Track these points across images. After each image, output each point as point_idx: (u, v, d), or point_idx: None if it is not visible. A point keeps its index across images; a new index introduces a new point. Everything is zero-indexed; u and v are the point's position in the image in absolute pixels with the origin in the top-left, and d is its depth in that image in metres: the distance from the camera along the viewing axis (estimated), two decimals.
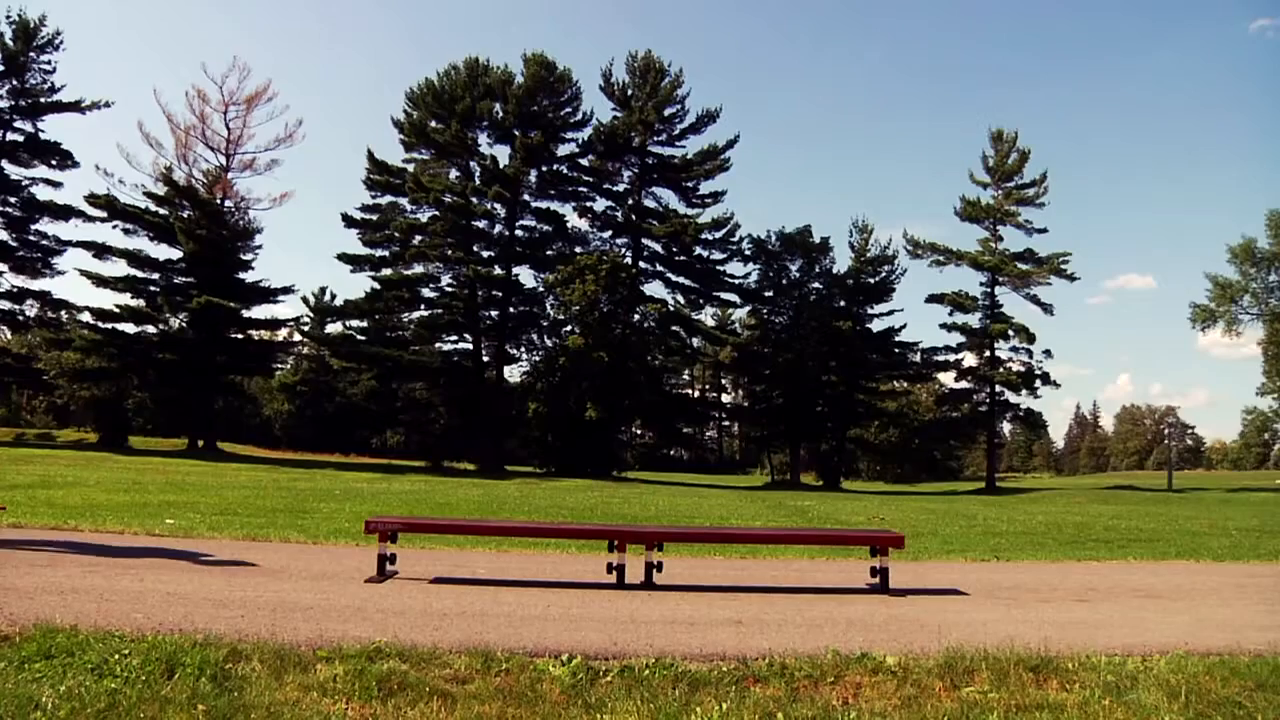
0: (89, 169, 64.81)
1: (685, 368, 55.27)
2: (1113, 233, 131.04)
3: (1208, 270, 40.48)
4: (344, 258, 35.61)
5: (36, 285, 33.53)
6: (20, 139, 32.44)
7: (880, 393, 41.23)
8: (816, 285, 39.79)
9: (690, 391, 60.98)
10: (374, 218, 35.86)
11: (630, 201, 36.64)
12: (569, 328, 35.11)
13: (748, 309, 41.07)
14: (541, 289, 36.12)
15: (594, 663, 2.48)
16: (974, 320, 37.47)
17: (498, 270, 34.54)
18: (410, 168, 35.39)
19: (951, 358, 38.55)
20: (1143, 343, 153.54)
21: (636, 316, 35.79)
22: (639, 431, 48.79)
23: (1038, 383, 36.51)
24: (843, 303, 38.92)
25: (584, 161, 36.27)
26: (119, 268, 33.27)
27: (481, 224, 35.51)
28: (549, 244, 36.87)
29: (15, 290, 33.08)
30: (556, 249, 36.62)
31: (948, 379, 40.91)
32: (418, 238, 34.66)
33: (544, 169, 35.78)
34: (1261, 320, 36.47)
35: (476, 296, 34.61)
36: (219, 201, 34.10)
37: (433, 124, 34.95)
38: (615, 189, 37.24)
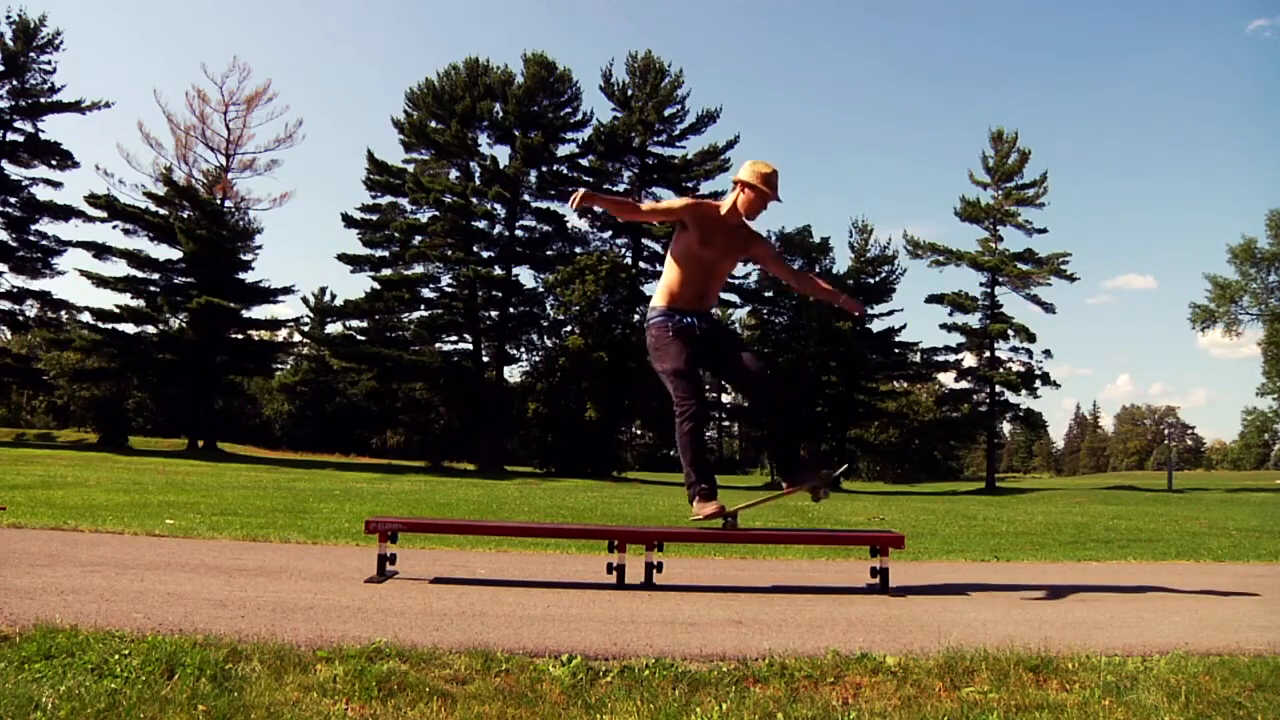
0: (89, 169, 64.95)
1: None
2: (1113, 233, 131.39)
3: (1207, 270, 40.49)
4: (344, 258, 35.64)
5: (36, 285, 33.60)
6: (20, 139, 32.48)
7: (880, 393, 41.26)
8: None
9: None
10: (374, 218, 35.88)
11: None
12: (569, 328, 35.14)
13: (747, 309, 41.11)
14: (541, 289, 36.14)
15: (594, 663, 2.48)
16: (974, 320, 37.50)
17: (498, 270, 34.56)
18: (410, 168, 35.41)
19: (951, 358, 38.60)
20: (1143, 343, 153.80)
21: (636, 316, 35.81)
22: (639, 431, 48.83)
23: (1038, 383, 36.53)
24: None
25: (584, 161, 36.30)
26: (119, 268, 33.33)
27: (481, 224, 35.53)
28: (549, 244, 36.89)
29: (15, 290, 33.12)
30: (556, 249, 36.65)
31: (948, 379, 40.97)
32: (418, 238, 34.68)
33: (544, 169, 35.80)
34: (1261, 320, 36.50)
35: (476, 297, 34.63)
36: (219, 202, 34.13)
37: (433, 124, 34.98)
38: (615, 189, 37.26)
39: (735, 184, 3.84)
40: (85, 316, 33.67)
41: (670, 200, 3.88)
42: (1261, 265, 36.12)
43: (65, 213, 32.49)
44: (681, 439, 3.83)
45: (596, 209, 3.84)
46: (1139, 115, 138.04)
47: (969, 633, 2.97)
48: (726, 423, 63.96)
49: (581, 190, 3.62)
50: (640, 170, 36.58)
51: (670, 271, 3.87)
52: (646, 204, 3.93)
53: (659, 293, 3.89)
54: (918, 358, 39.45)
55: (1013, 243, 37.69)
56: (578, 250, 35.82)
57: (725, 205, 3.84)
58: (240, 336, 35.77)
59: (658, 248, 36.70)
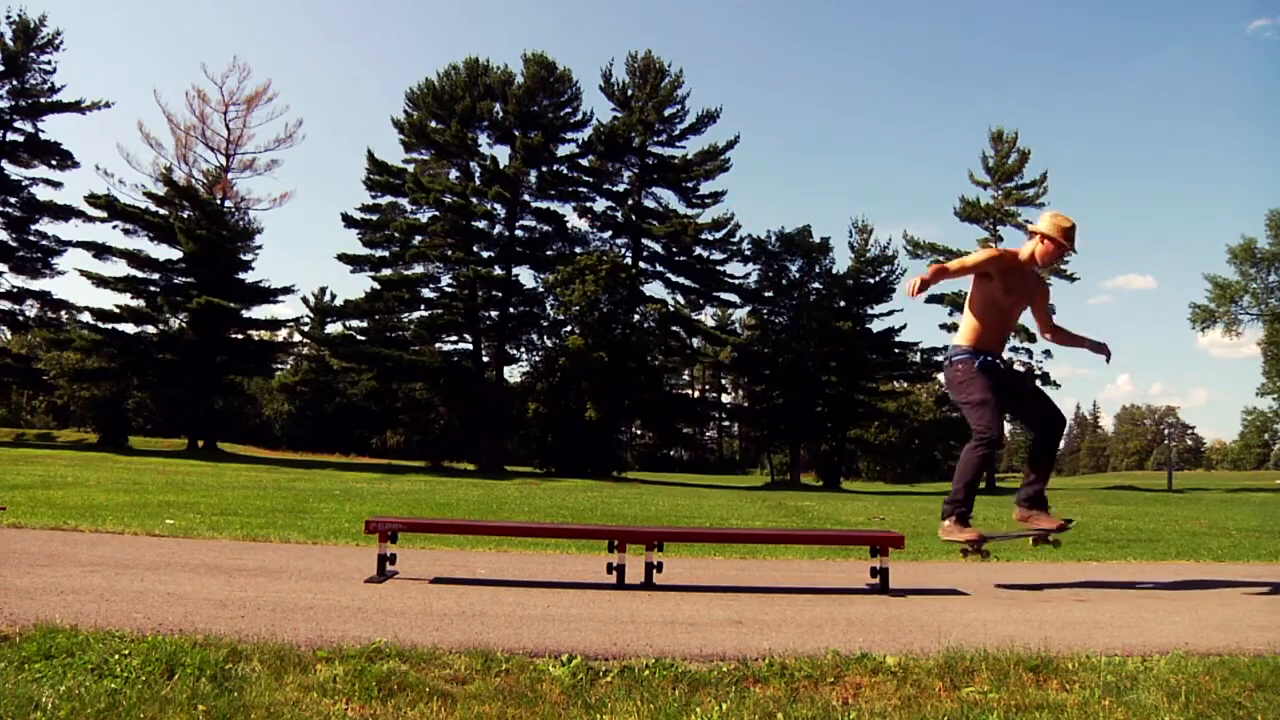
0: (89, 169, 64.97)
1: (685, 368, 55.34)
2: (1113, 233, 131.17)
3: (1207, 270, 40.46)
4: (344, 258, 35.64)
5: (36, 285, 33.61)
6: (20, 139, 32.48)
7: (880, 393, 41.26)
8: (816, 285, 39.83)
9: (690, 391, 61.07)
10: (374, 218, 35.88)
11: (630, 201, 36.66)
12: (569, 328, 35.14)
13: (748, 309, 41.14)
14: (541, 289, 36.15)
15: (594, 663, 2.48)
16: None
17: (498, 270, 34.57)
18: (410, 168, 35.41)
19: None
20: (1143, 343, 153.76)
21: (636, 316, 35.80)
22: (639, 431, 48.82)
23: (1038, 383, 36.55)
24: (842, 303, 38.94)
25: (584, 161, 36.30)
26: (119, 268, 33.34)
27: (481, 224, 35.54)
28: (549, 244, 36.89)
29: (15, 290, 33.13)
30: (556, 249, 36.65)
31: None
32: (418, 238, 34.69)
33: (544, 169, 35.80)
34: (1261, 320, 36.49)
35: (476, 296, 34.64)
36: (219, 202, 34.12)
37: (433, 124, 34.98)
38: (615, 189, 37.29)
39: (1034, 234, 4.18)
40: (85, 316, 33.72)
41: (976, 255, 4.18)
42: (1261, 265, 36.11)
43: (65, 213, 32.49)
44: (972, 461, 4.13)
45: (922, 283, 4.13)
46: (1139, 115, 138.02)
47: (969, 633, 2.97)
48: (727, 423, 63.97)
49: (917, 279, 3.95)
50: (640, 170, 36.57)
51: (973, 315, 4.24)
52: (953, 263, 4.17)
53: (963, 334, 4.26)
54: (918, 358, 39.46)
55: (1013, 243, 37.65)
56: (578, 250, 35.81)
57: (1024, 253, 4.20)
58: (240, 336, 35.77)
59: (658, 248, 36.69)
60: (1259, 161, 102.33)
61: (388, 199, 36.16)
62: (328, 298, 55.04)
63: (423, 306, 35.63)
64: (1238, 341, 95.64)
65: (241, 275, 34.51)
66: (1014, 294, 4.18)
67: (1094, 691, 2.31)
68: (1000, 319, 4.22)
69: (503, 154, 35.84)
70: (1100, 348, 4.51)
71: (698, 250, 36.92)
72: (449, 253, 34.47)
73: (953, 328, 37.62)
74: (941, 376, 4.41)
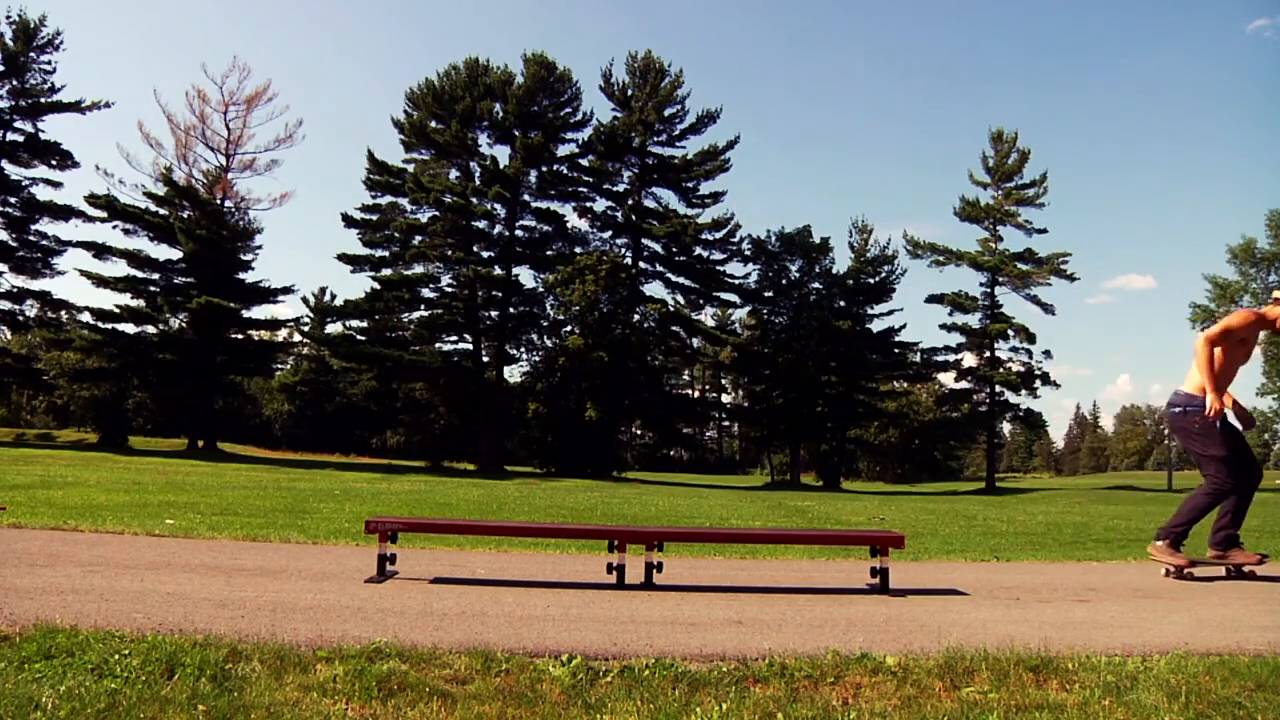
0: (89, 169, 65.05)
1: (685, 368, 55.37)
2: (1113, 233, 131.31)
3: (1207, 270, 40.45)
4: (344, 258, 35.62)
5: (36, 285, 33.60)
6: (20, 139, 32.47)
7: (880, 393, 41.27)
8: (816, 285, 39.83)
9: (690, 391, 61.08)
10: (374, 218, 35.87)
11: (630, 201, 36.65)
12: (569, 328, 35.12)
13: (748, 309, 41.12)
14: (541, 289, 36.13)
15: (594, 663, 2.48)
16: (974, 320, 37.49)
17: (498, 270, 34.55)
18: (410, 168, 35.39)
19: (951, 358, 38.60)
20: (1143, 343, 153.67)
21: (636, 316, 35.79)
22: (639, 431, 48.81)
23: (1037, 383, 36.54)
24: (842, 303, 38.94)
25: (584, 161, 36.28)
26: (119, 268, 33.34)
27: (481, 224, 35.53)
28: (549, 244, 36.88)
29: (15, 290, 33.12)
30: (556, 249, 36.64)
31: (948, 379, 40.99)
32: (418, 238, 34.68)
33: (544, 169, 35.79)
34: None
35: (476, 296, 34.63)
36: (219, 201, 34.12)
37: (433, 124, 34.96)
38: (615, 189, 37.28)
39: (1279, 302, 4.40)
40: (85, 316, 33.70)
41: (1241, 320, 4.34)
42: (1261, 265, 36.11)
43: (65, 213, 32.48)
44: (1201, 504, 4.44)
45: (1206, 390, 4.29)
46: (1139, 115, 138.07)
47: (969, 633, 2.97)
48: (726, 423, 63.98)
49: (1212, 402, 4.19)
50: (640, 170, 36.56)
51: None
52: (1216, 331, 4.31)
53: (1196, 386, 4.38)
54: (918, 358, 39.46)
55: (1013, 243, 37.73)
56: (578, 250, 35.79)
57: (1269, 314, 4.39)
58: (240, 336, 35.77)
59: (658, 248, 36.69)
60: (1259, 161, 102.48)
61: (388, 199, 36.15)
62: (328, 298, 55.06)
63: (423, 306, 35.62)
64: None
65: (241, 275, 34.51)
66: (1249, 352, 4.48)
67: (1094, 691, 2.31)
68: (1231, 374, 4.44)
69: (503, 154, 35.88)
70: (1245, 417, 4.64)
71: (698, 250, 36.92)
72: (449, 253, 34.45)
73: (952, 328, 37.71)
74: (1171, 420, 4.56)
